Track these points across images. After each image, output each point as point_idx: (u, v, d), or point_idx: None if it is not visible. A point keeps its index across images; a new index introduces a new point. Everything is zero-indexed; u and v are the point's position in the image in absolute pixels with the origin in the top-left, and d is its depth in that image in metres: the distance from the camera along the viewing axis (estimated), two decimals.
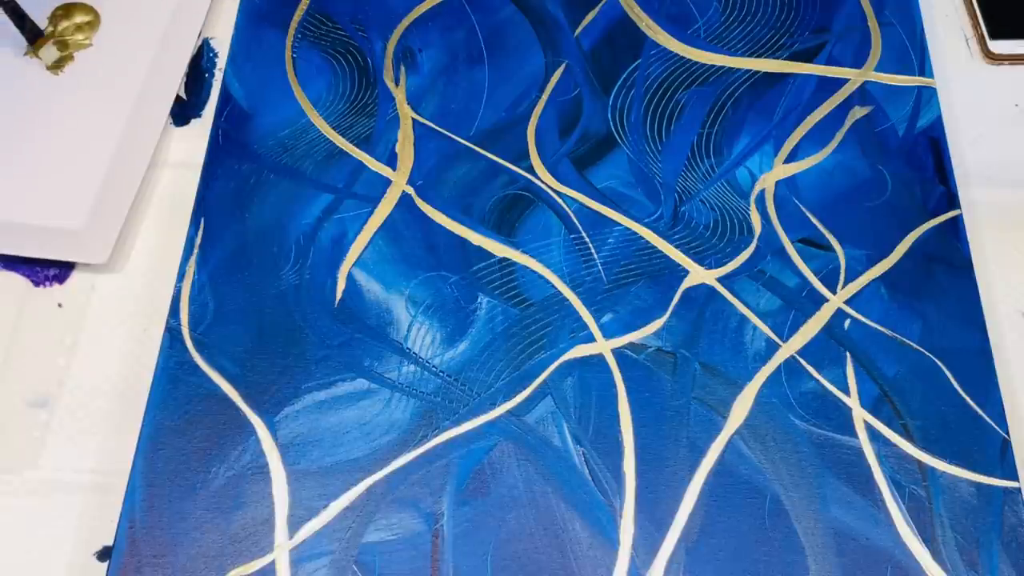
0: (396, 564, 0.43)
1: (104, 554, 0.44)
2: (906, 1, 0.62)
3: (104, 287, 0.52)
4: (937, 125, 0.56)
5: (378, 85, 0.58)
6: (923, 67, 0.59)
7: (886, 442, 0.46)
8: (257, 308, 0.50)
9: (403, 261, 0.52)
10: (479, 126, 0.57)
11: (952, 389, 0.47)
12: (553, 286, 0.51)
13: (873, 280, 0.51)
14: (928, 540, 0.44)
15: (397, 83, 0.59)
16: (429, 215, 0.53)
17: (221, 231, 0.52)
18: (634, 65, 0.59)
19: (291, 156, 0.55)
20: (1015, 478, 0.45)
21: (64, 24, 0.61)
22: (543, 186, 0.54)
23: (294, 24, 0.61)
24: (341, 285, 0.51)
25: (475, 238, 0.52)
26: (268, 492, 0.45)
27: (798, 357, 0.48)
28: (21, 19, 0.51)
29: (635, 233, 0.53)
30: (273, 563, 0.43)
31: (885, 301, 0.50)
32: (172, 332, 0.49)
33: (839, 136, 0.56)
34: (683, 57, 0.60)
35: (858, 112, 0.57)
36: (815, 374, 0.48)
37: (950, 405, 0.47)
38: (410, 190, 0.54)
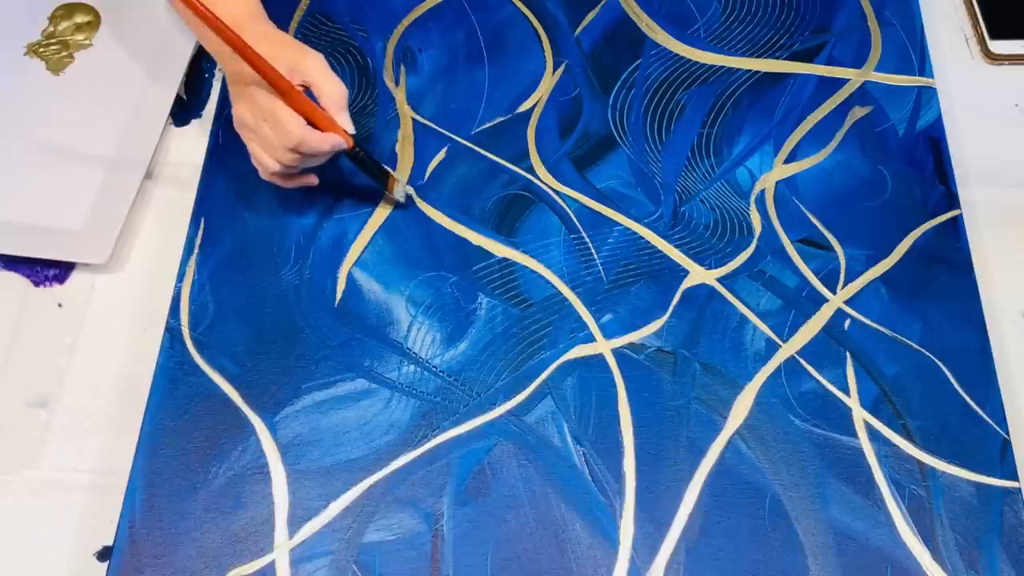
0: (396, 564, 0.43)
1: (104, 554, 0.44)
2: (906, 1, 0.62)
3: (104, 287, 0.52)
4: (937, 125, 0.56)
5: (378, 85, 0.58)
6: (923, 67, 0.59)
7: (886, 442, 0.46)
8: (257, 308, 0.50)
9: (403, 261, 0.52)
10: (479, 126, 0.57)
11: (952, 389, 0.47)
12: (553, 286, 0.51)
13: (873, 280, 0.51)
14: (928, 540, 0.44)
15: (397, 83, 0.59)
16: (429, 215, 0.53)
17: (221, 231, 0.52)
18: (634, 65, 0.59)
19: None
20: (1015, 478, 0.45)
21: (64, 24, 0.61)
22: (543, 186, 0.54)
23: (294, 24, 0.61)
24: (341, 285, 0.51)
25: (475, 238, 0.52)
26: (268, 492, 0.45)
27: (798, 357, 0.48)
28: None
29: (635, 233, 0.53)
30: (273, 563, 0.43)
31: (885, 301, 0.50)
32: (172, 332, 0.49)
33: (839, 136, 0.56)
34: (683, 57, 0.60)
35: (858, 112, 0.57)
36: (815, 374, 0.48)
37: (950, 405, 0.47)
38: (410, 190, 0.54)
